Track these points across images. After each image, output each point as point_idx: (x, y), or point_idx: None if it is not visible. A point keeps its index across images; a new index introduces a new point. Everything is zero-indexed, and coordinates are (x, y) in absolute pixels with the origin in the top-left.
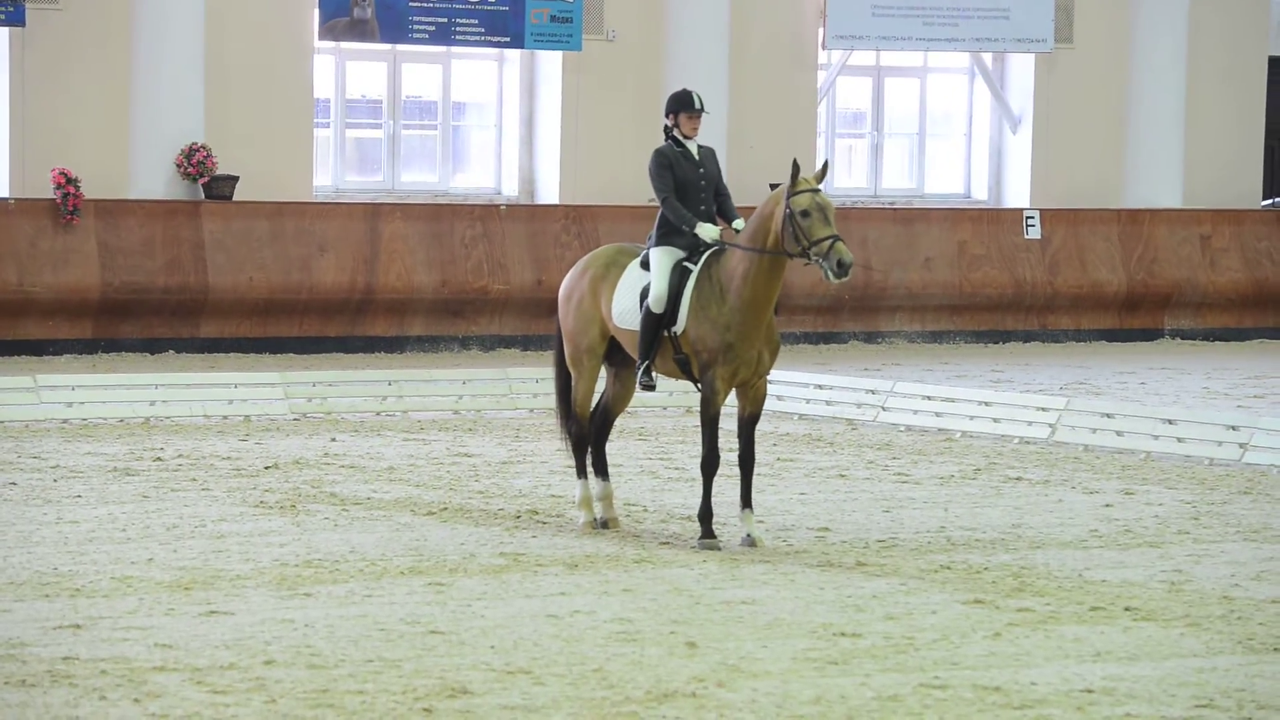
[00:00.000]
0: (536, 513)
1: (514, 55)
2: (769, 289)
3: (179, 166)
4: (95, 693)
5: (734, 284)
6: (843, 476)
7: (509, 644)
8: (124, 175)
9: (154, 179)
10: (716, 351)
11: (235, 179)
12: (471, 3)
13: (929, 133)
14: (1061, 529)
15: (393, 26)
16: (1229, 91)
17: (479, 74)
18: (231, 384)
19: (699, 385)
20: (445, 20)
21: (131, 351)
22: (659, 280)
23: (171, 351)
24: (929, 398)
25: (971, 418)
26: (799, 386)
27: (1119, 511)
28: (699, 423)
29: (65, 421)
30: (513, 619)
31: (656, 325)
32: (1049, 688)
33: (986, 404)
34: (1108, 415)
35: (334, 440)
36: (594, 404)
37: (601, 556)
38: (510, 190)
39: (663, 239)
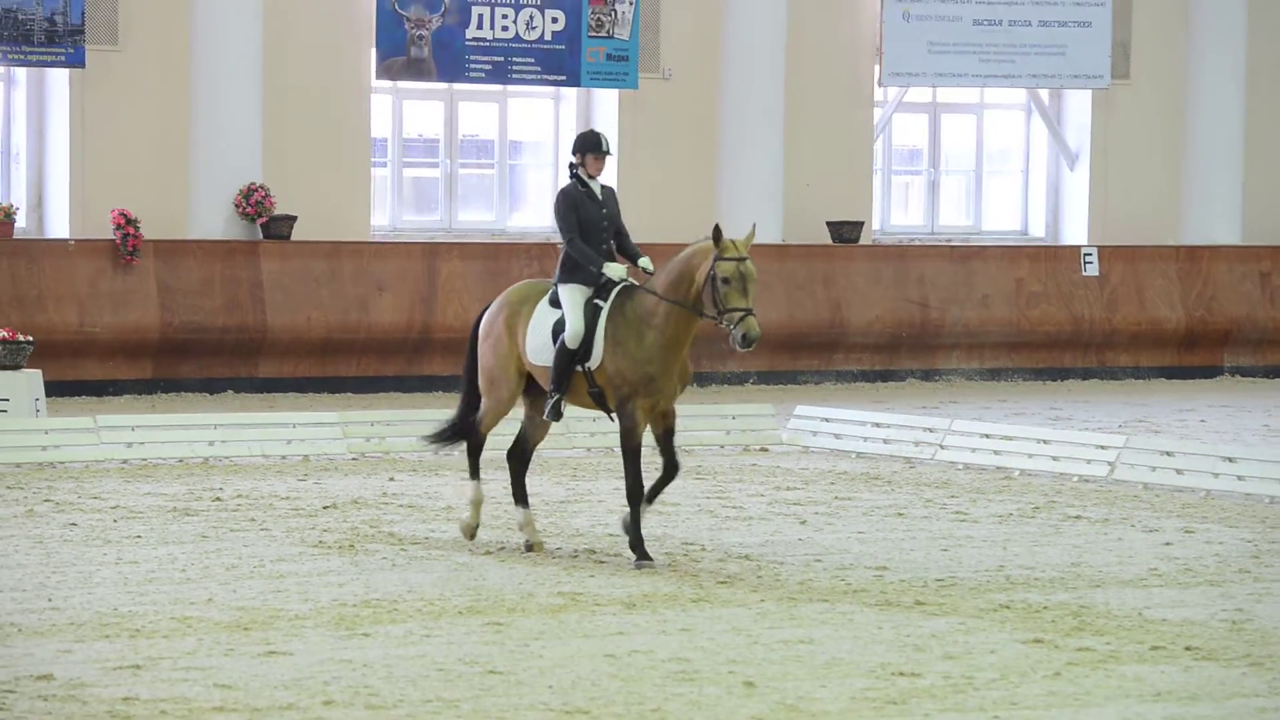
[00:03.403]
0: (594, 552)
1: (570, 94)
2: (686, 332)
3: (237, 206)
4: None
5: (654, 322)
6: (900, 515)
7: (567, 684)
8: (183, 215)
9: (213, 219)
10: (638, 384)
11: (293, 219)
12: (528, 42)
13: (986, 169)
14: (1121, 567)
15: (449, 66)
16: None
17: (535, 112)
18: (290, 424)
19: (612, 415)
20: (502, 59)
21: (191, 392)
22: (574, 318)
23: (230, 391)
24: (987, 435)
25: (1030, 456)
26: (856, 425)
27: (1179, 550)
28: (620, 453)
29: (125, 462)
30: (571, 659)
31: (570, 360)
32: None
33: (1045, 442)
34: (1167, 453)
35: (392, 480)
36: (515, 438)
37: (659, 596)
38: None
39: (568, 276)
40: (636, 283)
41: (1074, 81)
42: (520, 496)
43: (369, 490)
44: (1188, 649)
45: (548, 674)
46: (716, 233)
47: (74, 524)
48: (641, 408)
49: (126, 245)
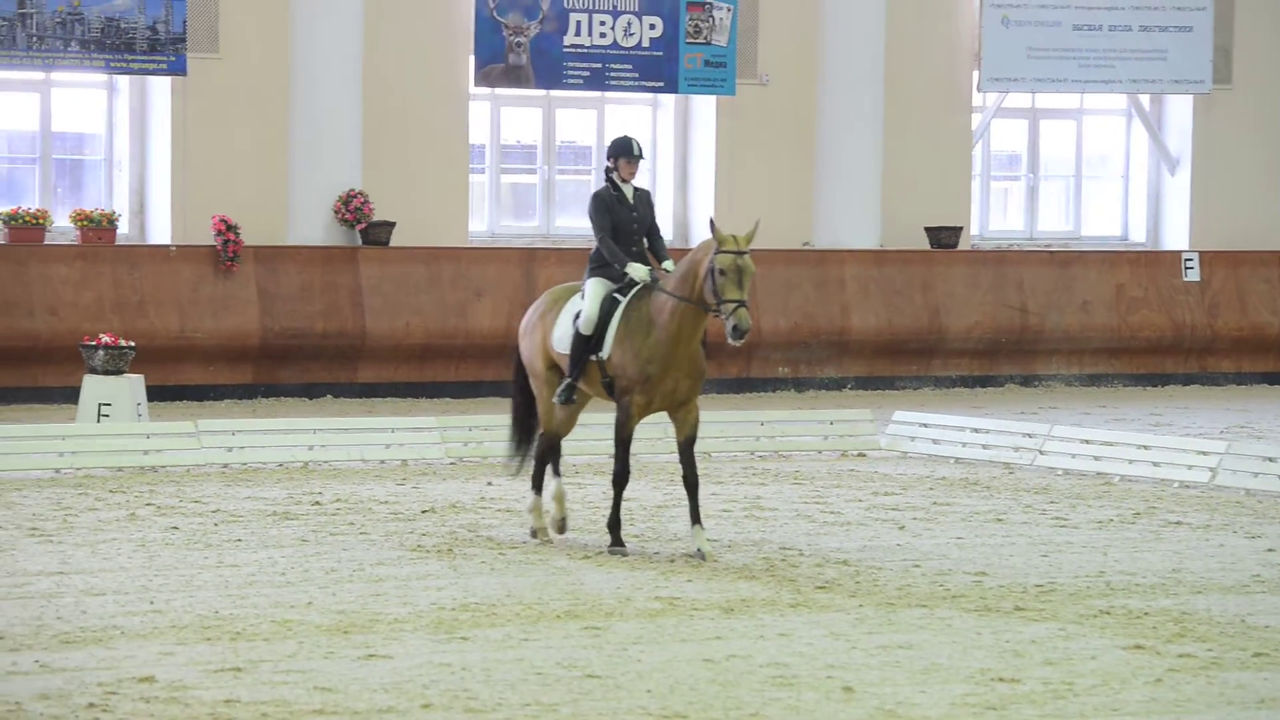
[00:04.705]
0: (691, 556)
1: (668, 100)
2: (693, 329)
3: (337, 213)
4: None
5: (661, 319)
6: (1000, 520)
7: (665, 688)
8: (283, 222)
9: (312, 225)
10: (635, 380)
11: (392, 225)
12: (625, 48)
13: (1085, 175)
14: (1223, 574)
15: (547, 72)
16: None
17: (633, 119)
18: (389, 428)
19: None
20: (599, 66)
21: (290, 396)
22: (590, 304)
23: (330, 396)
24: (1087, 441)
25: (1130, 461)
26: (955, 430)
27: None
28: (614, 440)
29: (226, 466)
30: (669, 663)
31: (584, 347)
32: None
33: (1145, 448)
34: (1270, 459)
35: (490, 484)
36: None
37: (757, 600)
38: (664, 233)
39: (596, 271)
40: (659, 283)
41: (1174, 87)
42: (540, 485)
43: (467, 494)
44: None
45: (646, 678)
46: (712, 225)
47: (175, 527)
48: (636, 403)
49: (227, 251)
